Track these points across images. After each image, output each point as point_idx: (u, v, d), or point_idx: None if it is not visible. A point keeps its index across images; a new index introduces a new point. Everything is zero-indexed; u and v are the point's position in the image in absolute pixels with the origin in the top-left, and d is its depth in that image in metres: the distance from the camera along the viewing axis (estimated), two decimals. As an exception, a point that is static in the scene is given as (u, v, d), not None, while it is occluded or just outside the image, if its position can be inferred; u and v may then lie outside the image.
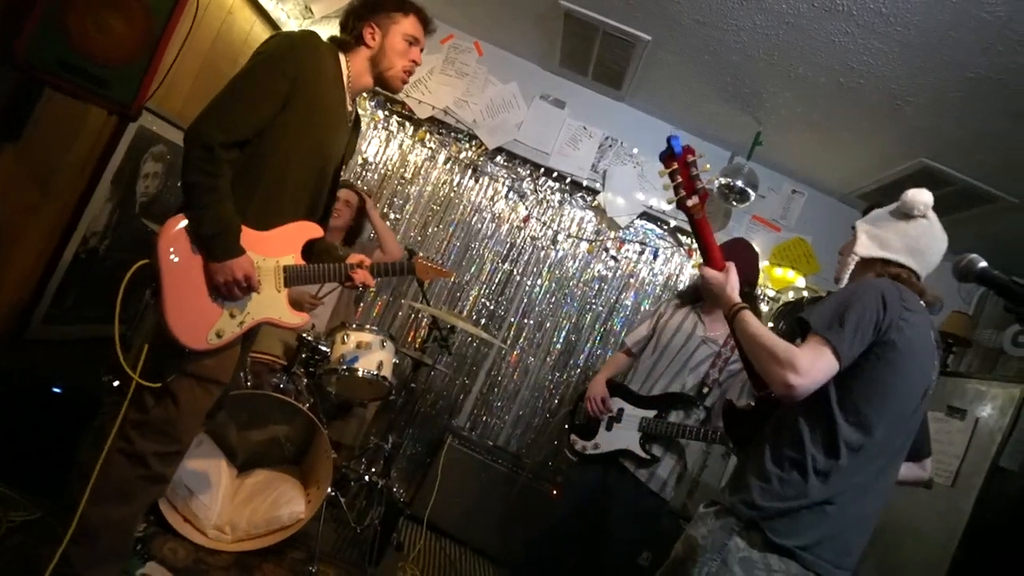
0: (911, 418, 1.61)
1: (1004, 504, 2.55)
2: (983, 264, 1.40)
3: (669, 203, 1.79)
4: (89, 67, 2.10)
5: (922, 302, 1.65)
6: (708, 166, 1.79)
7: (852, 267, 1.76)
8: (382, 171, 4.23)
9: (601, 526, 2.76)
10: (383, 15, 2.03)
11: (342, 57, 2.00)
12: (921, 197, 1.70)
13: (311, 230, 2.01)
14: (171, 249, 1.75)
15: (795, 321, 1.65)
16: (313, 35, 1.94)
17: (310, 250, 2.04)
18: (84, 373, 2.70)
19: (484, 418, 4.14)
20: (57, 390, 2.39)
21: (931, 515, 2.79)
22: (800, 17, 2.63)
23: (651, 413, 2.78)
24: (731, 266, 1.77)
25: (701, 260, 1.82)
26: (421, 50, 2.11)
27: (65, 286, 2.83)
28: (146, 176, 3.12)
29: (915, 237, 1.71)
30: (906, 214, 1.72)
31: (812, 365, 1.48)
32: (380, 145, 4.23)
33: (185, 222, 1.77)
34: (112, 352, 2.89)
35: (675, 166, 1.78)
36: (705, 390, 2.77)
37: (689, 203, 1.77)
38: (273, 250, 1.93)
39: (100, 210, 2.88)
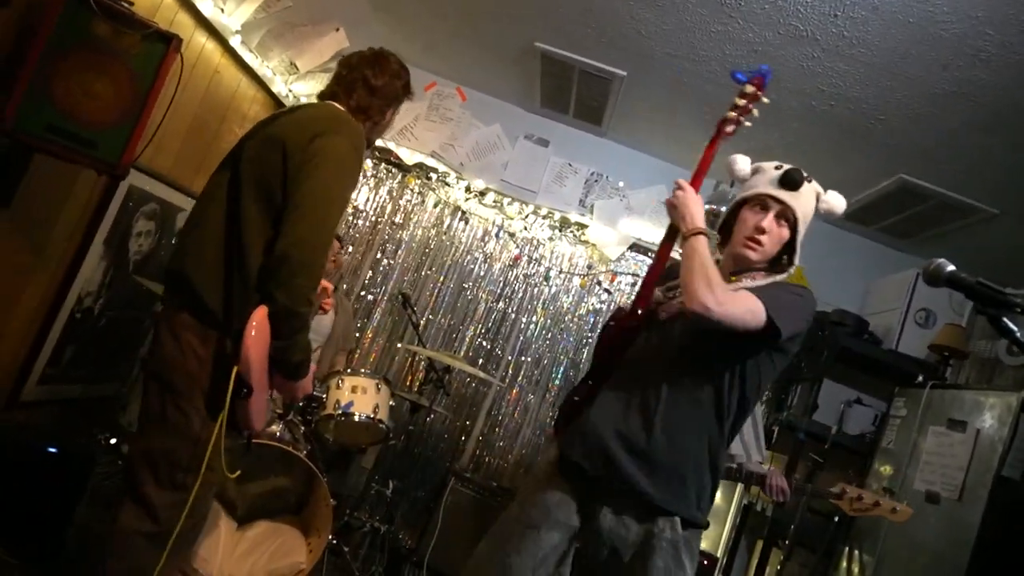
0: None
1: (1010, 514, 2.52)
2: (951, 268, 1.41)
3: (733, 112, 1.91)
4: (76, 130, 2.16)
5: None
6: (757, 112, 1.91)
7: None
8: (373, 218, 4.29)
9: None
10: (398, 102, 2.15)
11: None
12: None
13: None
14: (257, 349, 1.72)
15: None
16: (363, 139, 1.95)
17: None
18: (79, 432, 2.71)
19: (487, 459, 4.11)
20: (52, 450, 2.39)
21: (941, 530, 2.75)
22: (767, 45, 2.71)
23: None
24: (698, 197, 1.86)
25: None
26: None
27: (60, 346, 2.85)
28: (139, 235, 3.17)
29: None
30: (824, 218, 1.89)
31: (735, 302, 1.60)
32: (370, 192, 4.30)
33: (260, 317, 1.72)
34: (107, 411, 2.90)
35: (750, 95, 1.90)
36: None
37: (728, 129, 1.92)
38: None
39: (93, 270, 2.92)
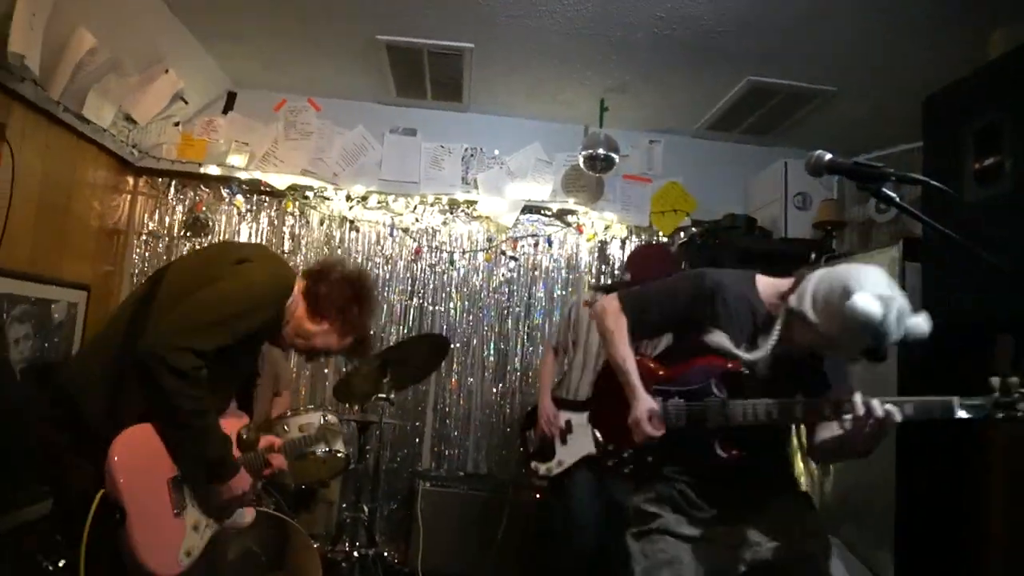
0: None
1: (918, 355, 2.79)
2: (829, 156, 1.55)
3: None
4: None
5: None
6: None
7: None
8: (261, 252, 4.12)
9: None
10: (347, 327, 2.00)
11: (296, 286, 1.94)
12: None
13: (241, 421, 2.01)
14: (128, 464, 1.59)
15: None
16: (292, 278, 1.91)
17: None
18: (22, 566, 2.50)
19: (446, 452, 4.12)
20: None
21: (865, 388, 3.01)
22: (601, -15, 2.79)
23: None
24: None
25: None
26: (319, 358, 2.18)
27: (-31, 484, 2.61)
28: (16, 342, 2.92)
29: None
30: None
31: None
32: (249, 227, 4.13)
33: (133, 430, 1.63)
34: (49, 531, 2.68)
35: None
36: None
37: None
38: None
39: (-21, 393, 2.67)
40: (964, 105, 2.35)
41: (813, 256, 3.58)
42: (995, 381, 1.45)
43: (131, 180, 3.97)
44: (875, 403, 1.48)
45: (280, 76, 3.95)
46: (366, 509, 3.23)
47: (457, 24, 3.20)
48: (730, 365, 1.74)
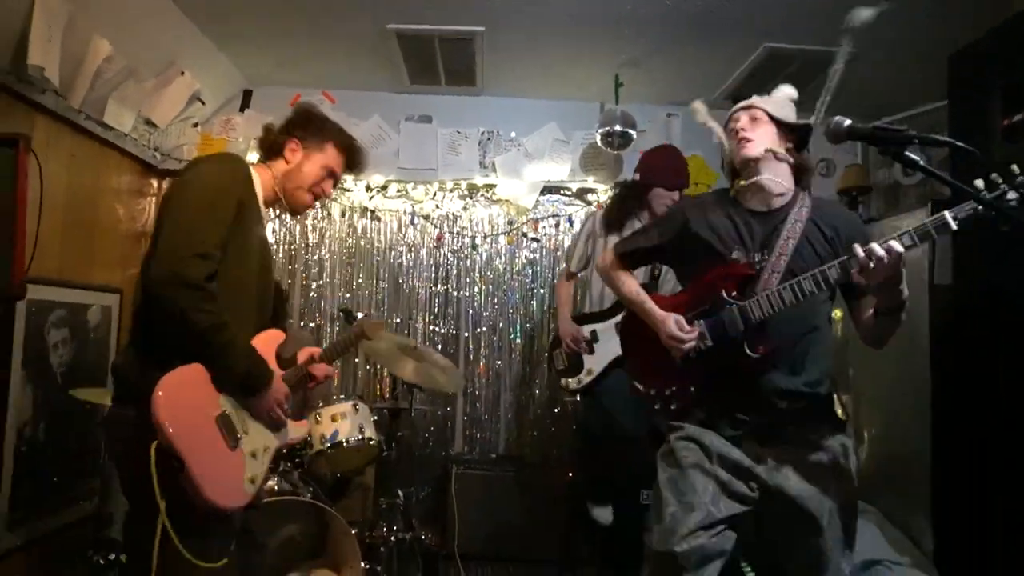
0: None
1: (951, 316, 2.74)
2: (848, 122, 1.52)
3: None
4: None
5: None
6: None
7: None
8: (285, 247, 4.18)
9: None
10: (313, 138, 1.97)
11: (252, 172, 1.89)
12: None
13: (277, 337, 1.95)
14: (173, 415, 1.59)
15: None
16: (238, 158, 1.88)
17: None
18: (67, 564, 2.60)
19: (478, 435, 4.17)
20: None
21: (898, 351, 2.96)
22: (609, -41, 2.74)
23: (620, 316, 2.89)
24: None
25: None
26: (335, 183, 2.06)
27: (17, 486, 2.71)
28: (55, 347, 3.01)
29: None
30: None
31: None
32: (273, 223, 4.18)
33: (169, 381, 1.62)
34: (94, 530, 2.79)
35: None
36: (657, 272, 3.00)
37: None
38: None
39: (22, 398, 2.76)
40: (989, 61, 2.29)
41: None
42: (979, 182, 1.49)
43: (155, 183, 4.03)
44: (874, 245, 1.56)
45: (294, 72, 3.96)
46: (401, 494, 3.28)
47: (465, 9, 3.17)
48: (732, 271, 1.83)
